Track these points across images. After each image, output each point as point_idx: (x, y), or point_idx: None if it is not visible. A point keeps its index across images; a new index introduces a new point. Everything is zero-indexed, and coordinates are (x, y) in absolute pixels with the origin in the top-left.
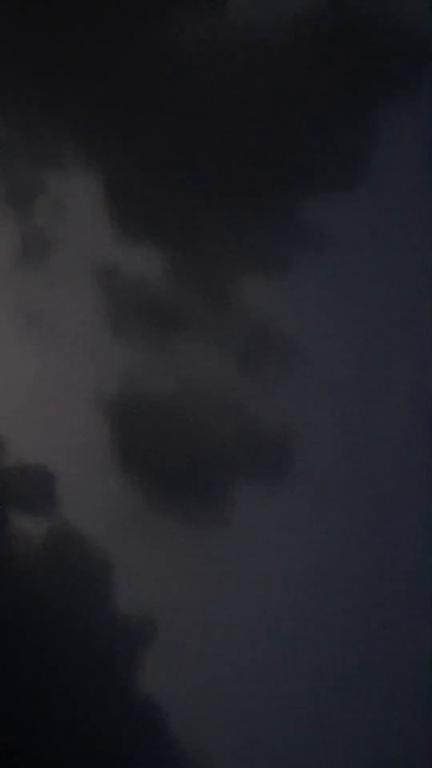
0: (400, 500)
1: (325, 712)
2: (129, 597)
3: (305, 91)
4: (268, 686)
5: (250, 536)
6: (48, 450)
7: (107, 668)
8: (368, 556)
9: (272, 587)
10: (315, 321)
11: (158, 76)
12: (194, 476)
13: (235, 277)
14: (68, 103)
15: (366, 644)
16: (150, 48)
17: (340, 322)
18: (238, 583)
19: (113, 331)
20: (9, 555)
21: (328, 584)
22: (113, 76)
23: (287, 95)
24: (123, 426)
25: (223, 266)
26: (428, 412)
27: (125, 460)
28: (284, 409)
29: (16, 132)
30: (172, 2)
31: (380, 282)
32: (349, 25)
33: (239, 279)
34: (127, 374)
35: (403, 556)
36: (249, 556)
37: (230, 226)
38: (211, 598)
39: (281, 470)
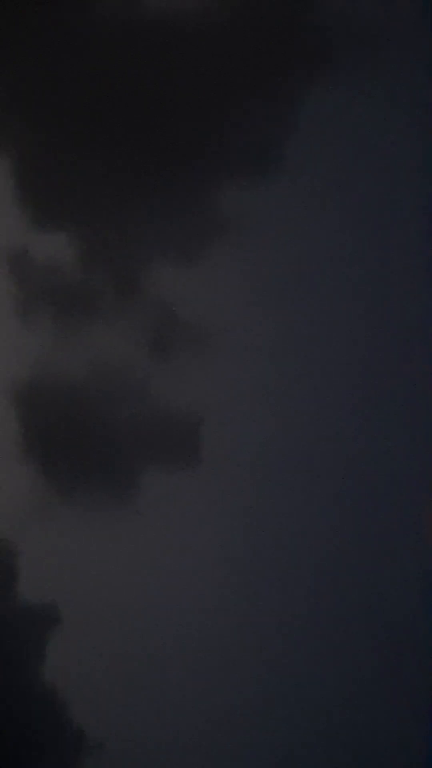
0: (308, 486)
1: (237, 703)
2: (33, 585)
3: (219, 77)
4: (175, 676)
5: (157, 523)
6: None
7: (9, 657)
8: (275, 542)
9: (181, 575)
10: (227, 308)
11: (70, 56)
12: (103, 463)
13: (147, 263)
14: None
15: (278, 626)
16: (60, 29)
17: (253, 309)
18: (146, 570)
19: (22, 317)
20: None
21: (237, 571)
22: (22, 56)
23: (201, 82)
24: (31, 413)
25: (135, 252)
26: (339, 404)
27: (33, 446)
28: (195, 396)
29: None
30: None
31: (294, 270)
32: (264, 11)
33: (152, 265)
34: (36, 360)
35: (313, 540)
36: (157, 543)
37: (143, 212)
38: (118, 586)
39: (190, 457)
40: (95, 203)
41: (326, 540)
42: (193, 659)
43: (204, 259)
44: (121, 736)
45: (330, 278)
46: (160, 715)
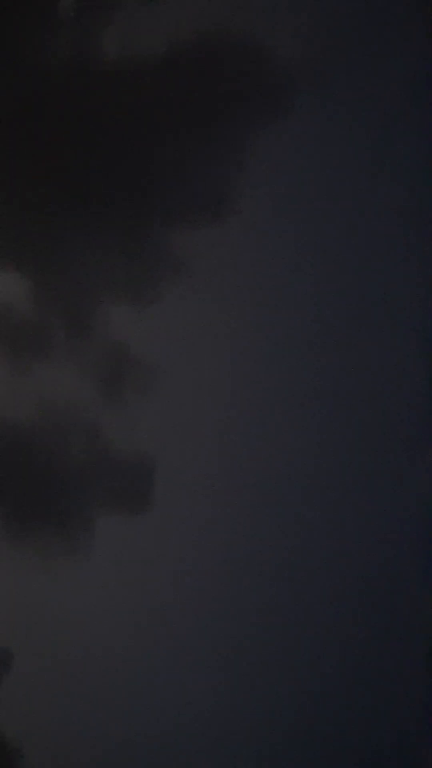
0: (261, 528)
1: (199, 748)
2: None
3: (174, 121)
4: (130, 722)
5: (109, 566)
6: None
7: None
8: (233, 584)
9: (133, 617)
10: (178, 349)
11: (24, 97)
12: (52, 504)
13: (99, 303)
14: None
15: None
16: (17, 68)
17: (203, 350)
18: (97, 614)
19: None
20: None
21: (192, 615)
22: None
23: (157, 125)
24: None
25: (87, 291)
26: (293, 445)
27: None
28: (145, 436)
29: None
30: (41, 23)
31: (245, 311)
32: (217, 57)
33: (103, 304)
34: None
35: (266, 582)
36: (108, 586)
37: (96, 251)
38: (68, 629)
39: (141, 499)
40: (47, 241)
41: (279, 582)
42: (144, 703)
43: (155, 299)
44: None
45: (281, 319)
46: (111, 758)
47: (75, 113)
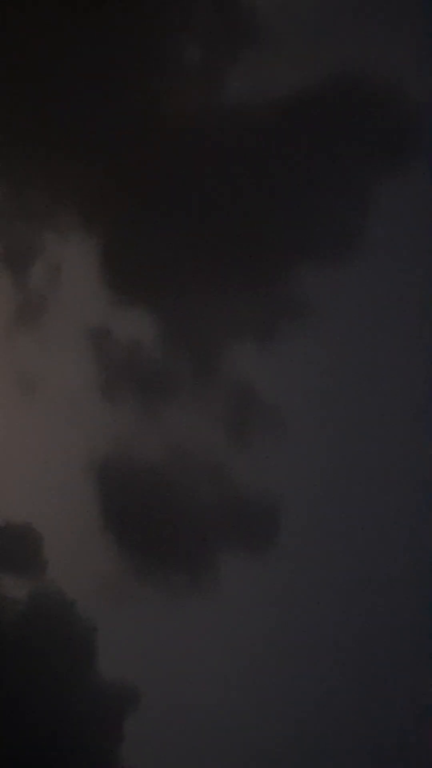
0: (390, 571)
1: None
2: (111, 663)
3: (300, 165)
4: (254, 759)
5: (234, 607)
6: (36, 512)
7: (87, 737)
8: (359, 630)
9: (257, 658)
10: (303, 391)
11: (156, 146)
12: (179, 544)
13: (225, 345)
14: (67, 168)
15: (359, 714)
16: (148, 119)
17: (328, 392)
18: (222, 653)
19: (104, 394)
20: None
21: (316, 658)
22: (112, 144)
23: (283, 169)
24: (110, 490)
25: (213, 333)
26: (419, 485)
27: (111, 524)
28: (271, 477)
29: (14, 194)
30: (168, 76)
31: (370, 355)
32: (343, 102)
33: (229, 346)
34: (116, 438)
35: (397, 627)
36: (233, 627)
37: (223, 294)
38: (194, 669)
39: (267, 540)
40: (176, 284)
41: (402, 619)
42: (269, 745)
43: (281, 340)
44: None
45: (407, 360)
46: None
47: (202, 156)
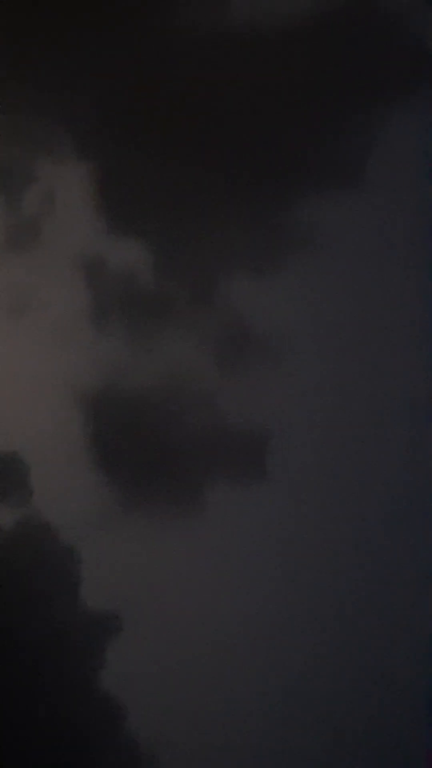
0: (380, 501)
1: (301, 716)
2: (96, 591)
3: (301, 89)
4: (231, 687)
5: (221, 534)
6: (23, 440)
7: (70, 661)
8: (346, 559)
9: (243, 586)
10: (299, 322)
11: (155, 71)
12: (167, 472)
13: (222, 275)
14: (64, 93)
15: (356, 645)
16: (148, 41)
17: (326, 324)
18: (208, 581)
19: (95, 323)
20: None
21: (301, 585)
22: (110, 67)
23: (283, 93)
24: (99, 419)
25: (210, 263)
26: (416, 421)
27: (99, 453)
28: (262, 408)
29: (9, 118)
30: None
31: (371, 287)
32: (346, 27)
33: (226, 276)
34: (106, 367)
35: (385, 554)
36: (220, 554)
37: (220, 223)
38: (179, 596)
39: (256, 470)
40: (172, 212)
41: (389, 550)
42: (251, 667)
43: (278, 271)
44: (176, 745)
45: (404, 293)
46: (216, 722)
47: (201, 80)
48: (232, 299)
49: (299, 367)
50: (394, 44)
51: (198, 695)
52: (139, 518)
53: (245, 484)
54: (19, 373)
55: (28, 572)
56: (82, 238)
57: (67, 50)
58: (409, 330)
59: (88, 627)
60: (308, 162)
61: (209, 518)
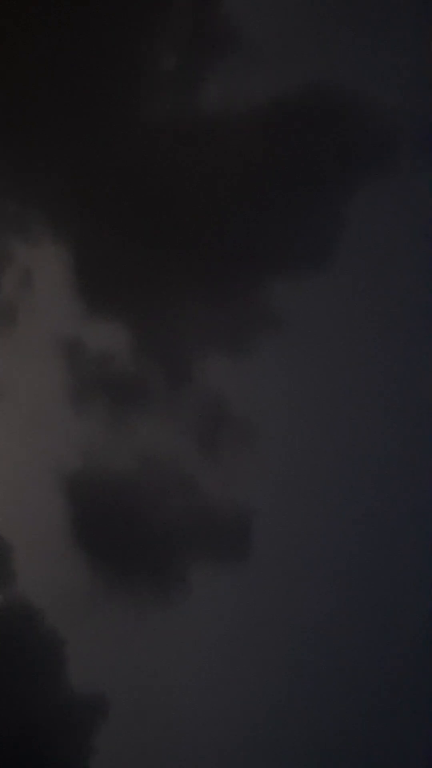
0: (365, 579)
1: None
2: (80, 676)
3: (274, 175)
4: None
5: (204, 619)
6: (5, 523)
7: (57, 750)
8: (334, 643)
9: (230, 668)
10: (275, 402)
11: (129, 153)
12: (149, 556)
13: (198, 356)
14: (37, 173)
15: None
16: (122, 123)
17: (301, 403)
18: (195, 662)
19: (74, 404)
20: None
21: (286, 668)
22: (83, 150)
23: (257, 179)
24: (80, 501)
25: (186, 345)
26: (393, 496)
27: (80, 535)
28: (242, 489)
29: None
30: (143, 84)
31: (344, 365)
32: (320, 109)
33: (202, 358)
34: (86, 449)
35: (374, 633)
36: (203, 639)
37: (196, 305)
38: (166, 678)
39: (240, 549)
40: (148, 295)
41: (382, 623)
42: (240, 749)
43: (254, 352)
44: None
45: (380, 376)
46: None
47: (175, 165)
48: (210, 379)
49: (277, 444)
50: (365, 124)
51: None
52: (123, 599)
53: (230, 564)
54: None
55: (12, 655)
56: (59, 321)
57: (41, 133)
58: (383, 407)
59: (74, 709)
60: (281, 243)
61: (194, 599)
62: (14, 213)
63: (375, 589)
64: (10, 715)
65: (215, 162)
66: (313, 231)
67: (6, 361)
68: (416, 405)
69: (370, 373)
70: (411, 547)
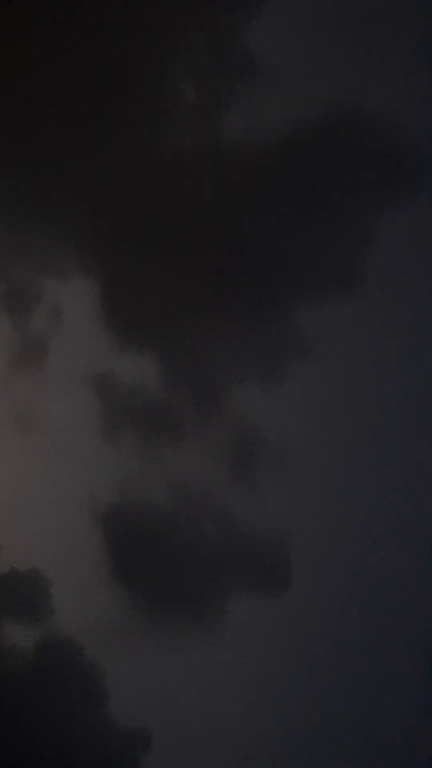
0: (400, 600)
1: None
2: (122, 706)
3: (301, 200)
4: None
5: (243, 648)
6: (42, 557)
7: None
8: (371, 668)
9: (268, 700)
10: (306, 427)
11: (156, 182)
12: (186, 585)
13: (228, 384)
14: (67, 211)
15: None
16: (148, 158)
17: (332, 428)
18: (232, 694)
19: (107, 437)
20: (2, 662)
21: (326, 695)
22: (110, 185)
23: (284, 204)
24: (116, 533)
25: (216, 373)
26: (424, 515)
27: (118, 568)
28: (277, 515)
29: (13, 237)
30: (166, 115)
31: (373, 389)
32: (346, 136)
33: (232, 386)
34: (121, 481)
35: (409, 660)
36: (242, 668)
37: (224, 334)
38: (206, 708)
39: (275, 579)
40: (177, 326)
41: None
42: None
43: (284, 379)
44: None
45: (410, 399)
46: None
47: (201, 195)
48: (239, 408)
49: (311, 470)
50: (391, 150)
51: None
52: (161, 631)
53: (268, 593)
54: (33, 490)
55: (54, 688)
56: (89, 354)
57: (70, 169)
58: (411, 431)
59: (115, 741)
60: (307, 270)
61: (233, 629)
62: (43, 247)
63: (419, 619)
64: (54, 747)
65: (241, 191)
66: (341, 256)
67: (38, 396)
68: None
69: (403, 398)
70: None
